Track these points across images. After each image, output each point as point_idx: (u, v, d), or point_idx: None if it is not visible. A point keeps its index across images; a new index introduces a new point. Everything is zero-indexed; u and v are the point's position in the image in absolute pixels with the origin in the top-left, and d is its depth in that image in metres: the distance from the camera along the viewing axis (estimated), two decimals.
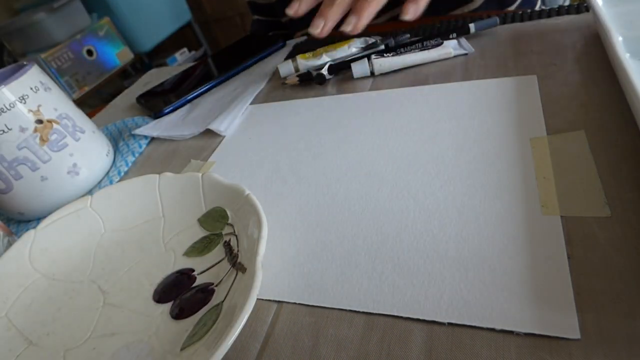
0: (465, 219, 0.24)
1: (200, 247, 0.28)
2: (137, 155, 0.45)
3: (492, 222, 0.23)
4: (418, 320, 0.20)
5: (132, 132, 0.48)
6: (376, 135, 0.33)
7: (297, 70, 0.47)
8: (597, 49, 0.33)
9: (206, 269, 0.27)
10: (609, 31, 0.29)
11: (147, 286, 0.27)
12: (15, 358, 0.24)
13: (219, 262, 0.26)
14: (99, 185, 0.41)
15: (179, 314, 0.24)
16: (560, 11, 0.41)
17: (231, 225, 0.28)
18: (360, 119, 0.36)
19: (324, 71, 0.43)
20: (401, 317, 0.21)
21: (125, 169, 0.43)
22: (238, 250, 0.26)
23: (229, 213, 0.28)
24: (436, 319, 0.20)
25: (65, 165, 0.38)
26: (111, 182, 0.41)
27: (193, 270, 0.27)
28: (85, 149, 0.40)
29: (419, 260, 0.23)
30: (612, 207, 0.22)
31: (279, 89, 0.47)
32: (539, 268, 0.20)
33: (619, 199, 0.22)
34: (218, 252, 0.27)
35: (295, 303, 0.23)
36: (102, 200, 0.31)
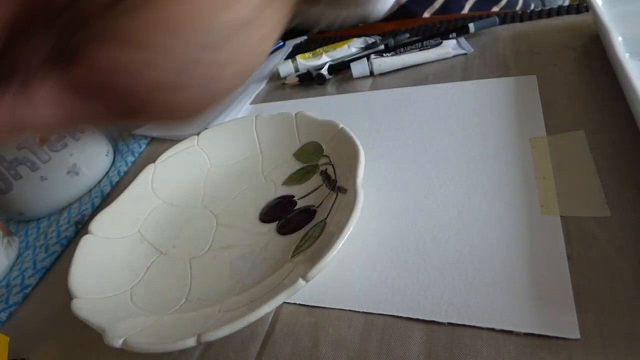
0: (465, 219, 0.24)
1: (297, 177, 0.31)
2: (137, 155, 0.45)
3: (492, 222, 0.23)
4: (418, 320, 0.20)
5: (132, 132, 0.47)
6: (375, 134, 0.33)
7: (297, 70, 0.47)
8: (597, 49, 0.33)
9: (306, 194, 0.29)
10: (609, 31, 0.29)
11: (252, 210, 0.30)
12: (150, 263, 0.28)
13: (317, 189, 0.29)
14: (99, 185, 0.41)
15: (285, 231, 0.27)
16: (560, 11, 0.41)
17: (327, 156, 0.30)
18: (360, 119, 0.36)
19: (324, 71, 0.43)
20: (401, 317, 0.21)
21: (125, 169, 0.43)
22: (336, 177, 0.28)
23: (323, 146, 0.31)
24: (436, 319, 0.20)
25: (65, 165, 0.38)
26: (111, 183, 0.41)
27: (293, 196, 0.30)
28: (85, 149, 0.40)
29: (418, 260, 0.23)
30: (612, 207, 0.22)
31: (279, 89, 0.47)
32: (538, 268, 0.20)
33: (618, 199, 0.22)
34: (315, 180, 0.30)
35: (295, 303, 0.23)
36: (206, 140, 0.35)
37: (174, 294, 0.25)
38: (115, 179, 0.41)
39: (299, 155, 0.32)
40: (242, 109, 0.44)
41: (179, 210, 0.32)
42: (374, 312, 0.21)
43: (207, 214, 0.31)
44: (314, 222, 0.27)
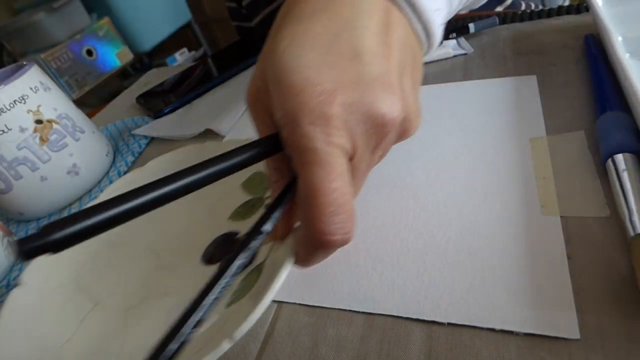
0: (465, 219, 0.24)
1: (243, 212, 0.30)
2: (137, 155, 0.45)
3: (492, 222, 0.23)
4: (418, 320, 0.20)
5: (132, 132, 0.48)
6: None
7: None
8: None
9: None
10: (609, 31, 0.29)
11: (194, 250, 0.28)
12: (83, 317, 0.26)
13: None
14: (99, 185, 0.41)
15: None
16: (560, 11, 0.41)
17: None
18: None
19: None
20: (401, 317, 0.21)
21: (125, 169, 0.43)
22: None
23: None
24: (436, 319, 0.20)
25: (65, 165, 0.38)
26: (111, 183, 0.41)
27: (237, 234, 0.28)
28: (85, 149, 0.40)
29: (418, 260, 0.23)
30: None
31: None
32: (538, 268, 0.20)
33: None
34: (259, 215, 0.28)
35: (295, 303, 0.23)
36: (142, 176, 0.33)
37: (108, 350, 0.23)
38: (115, 179, 0.41)
39: (245, 185, 0.30)
40: (243, 109, 0.44)
41: (120, 250, 0.30)
42: (374, 312, 0.21)
43: (149, 254, 0.29)
44: (252, 265, 0.24)
